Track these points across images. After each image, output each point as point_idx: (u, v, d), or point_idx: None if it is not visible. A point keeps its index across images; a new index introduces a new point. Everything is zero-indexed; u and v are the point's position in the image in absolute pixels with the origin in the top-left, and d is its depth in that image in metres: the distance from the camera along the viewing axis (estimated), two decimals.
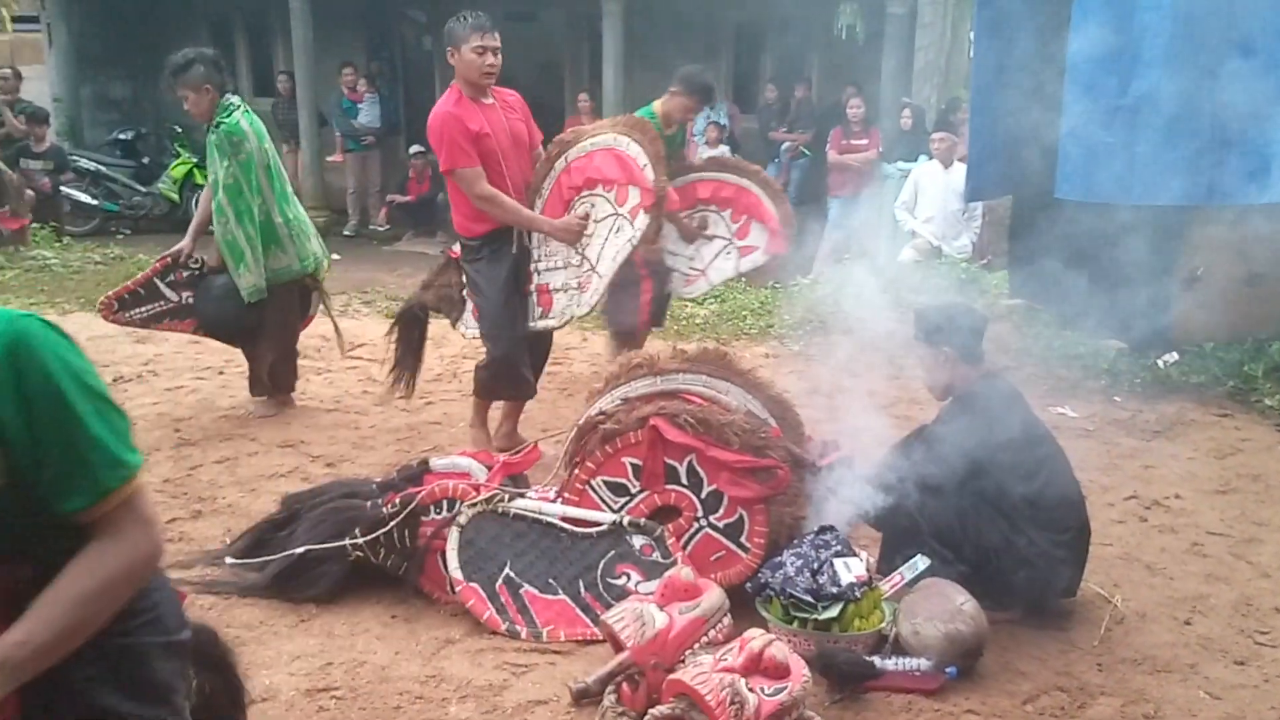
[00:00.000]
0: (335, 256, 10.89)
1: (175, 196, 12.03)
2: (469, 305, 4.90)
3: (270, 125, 13.00)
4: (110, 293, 5.48)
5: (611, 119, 4.95)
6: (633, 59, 12.03)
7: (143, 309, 5.42)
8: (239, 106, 5.20)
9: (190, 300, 5.46)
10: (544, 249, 4.77)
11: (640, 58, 12.18)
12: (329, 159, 12.59)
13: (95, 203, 11.44)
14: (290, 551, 3.69)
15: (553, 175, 4.78)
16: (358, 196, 12.61)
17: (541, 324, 4.83)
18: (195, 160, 12.10)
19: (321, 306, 5.81)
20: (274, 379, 5.55)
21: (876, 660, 3.19)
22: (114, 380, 6.05)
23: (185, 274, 5.44)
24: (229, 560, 3.84)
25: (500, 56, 4.62)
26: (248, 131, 5.12)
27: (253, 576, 3.74)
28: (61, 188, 10.98)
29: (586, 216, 4.68)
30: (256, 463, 4.88)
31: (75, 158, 11.70)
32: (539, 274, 4.79)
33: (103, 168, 11.87)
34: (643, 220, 4.57)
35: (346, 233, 12.37)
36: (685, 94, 5.52)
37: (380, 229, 12.46)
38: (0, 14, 10.50)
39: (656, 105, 5.59)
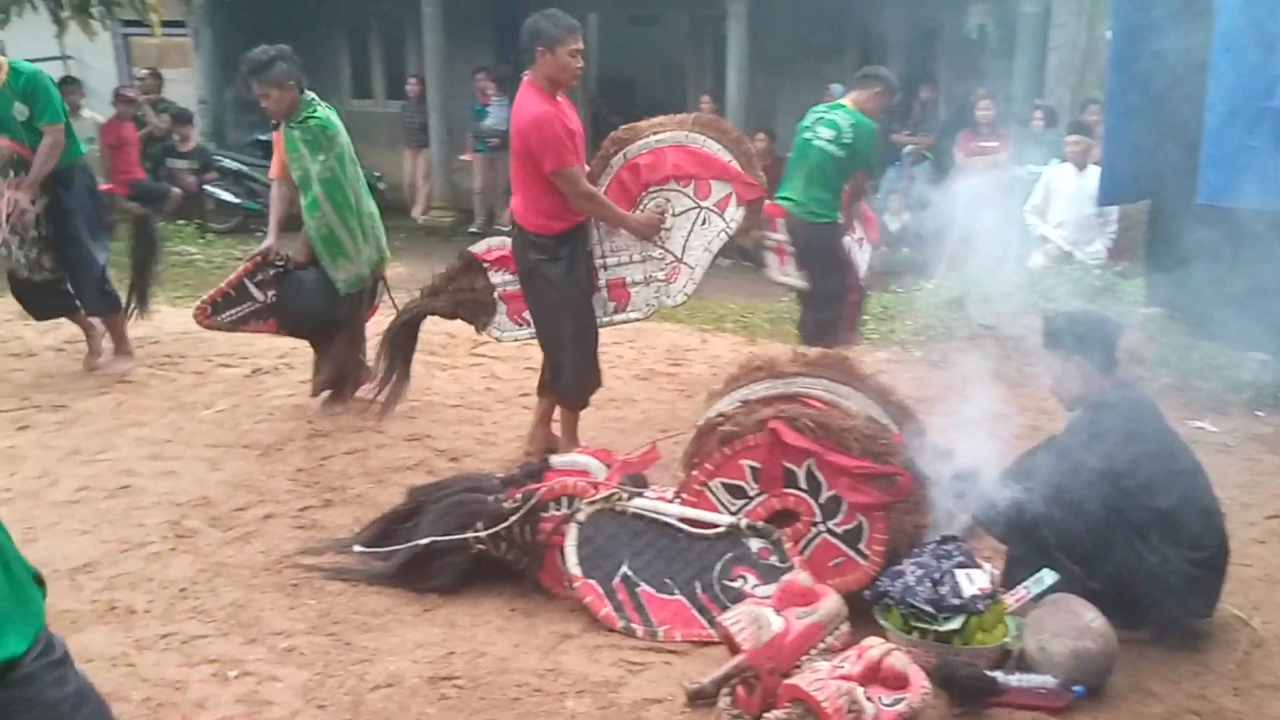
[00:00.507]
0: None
1: None
2: (502, 308, 4.89)
3: (397, 128, 13.35)
4: (204, 297, 5.55)
5: (673, 117, 4.88)
6: (756, 61, 11.99)
7: (232, 311, 5.47)
8: (319, 103, 5.27)
9: (273, 299, 5.49)
10: (609, 244, 4.78)
11: (764, 60, 12.13)
12: (460, 159, 12.86)
13: (237, 201, 11.90)
14: (415, 542, 3.79)
15: (610, 171, 4.75)
16: (484, 196, 12.85)
17: (620, 318, 4.88)
18: None
19: (385, 298, 5.81)
20: (346, 374, 5.57)
21: (999, 676, 3.12)
22: (252, 372, 6.29)
23: (271, 273, 5.49)
24: (357, 548, 3.96)
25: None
26: (338, 125, 5.19)
27: (379, 565, 3.86)
28: (205, 186, 11.46)
29: (662, 211, 4.73)
30: (384, 455, 5.03)
31: (218, 157, 12.20)
32: (606, 269, 4.79)
33: (244, 167, 12.34)
34: (736, 211, 4.74)
35: (472, 230, 12.62)
36: (887, 92, 5.76)
37: (504, 228, 12.67)
38: (150, 18, 10.97)
39: (849, 101, 5.79)
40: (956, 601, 3.23)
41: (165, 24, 11.49)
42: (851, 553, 3.59)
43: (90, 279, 5.97)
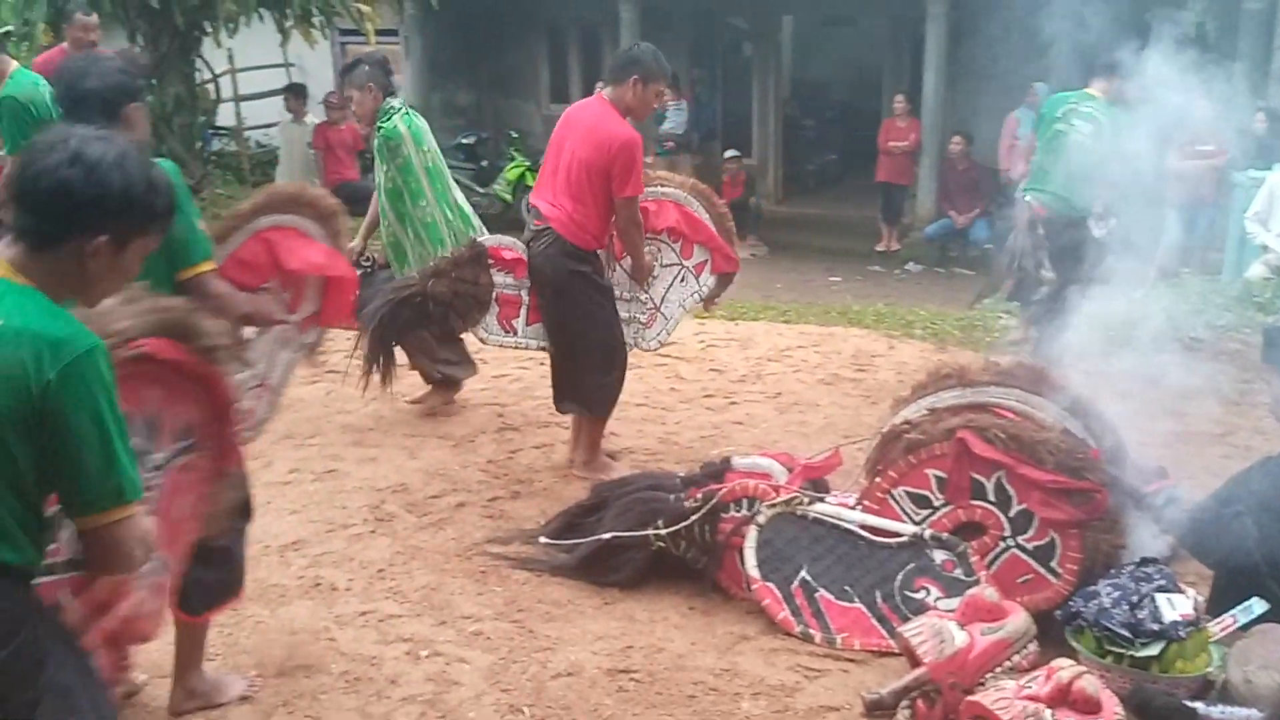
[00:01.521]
0: None
1: (509, 197, 12.84)
2: (494, 310, 4.74)
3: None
4: None
5: (675, 177, 5.30)
6: (955, 63, 11.68)
7: None
8: (399, 110, 5.20)
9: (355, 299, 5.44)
10: (609, 276, 4.81)
11: (962, 62, 11.81)
12: (645, 160, 13.05)
13: None
14: (598, 536, 3.88)
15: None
16: None
17: None
18: (529, 164, 12.87)
19: None
20: (432, 374, 5.57)
21: (1200, 706, 2.95)
22: None
23: (358, 273, 5.23)
24: (542, 540, 4.08)
25: None
26: (404, 135, 5.10)
27: (563, 557, 3.96)
28: None
29: (653, 258, 4.87)
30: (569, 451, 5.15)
31: None
32: None
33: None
34: (710, 280, 5.12)
35: None
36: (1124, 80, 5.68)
37: None
38: (365, 27, 11.56)
39: (1097, 90, 5.77)
40: (1156, 626, 3.07)
41: (378, 32, 12.07)
42: (1042, 570, 3.46)
43: None
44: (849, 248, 11.72)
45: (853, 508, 3.69)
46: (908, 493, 3.61)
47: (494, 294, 4.73)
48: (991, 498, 3.50)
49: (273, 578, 3.89)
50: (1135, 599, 3.13)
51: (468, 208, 5.45)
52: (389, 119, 5.15)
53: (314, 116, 11.40)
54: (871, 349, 7.02)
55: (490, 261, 4.71)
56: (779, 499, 3.71)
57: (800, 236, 12.43)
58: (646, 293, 4.96)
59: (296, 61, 13.82)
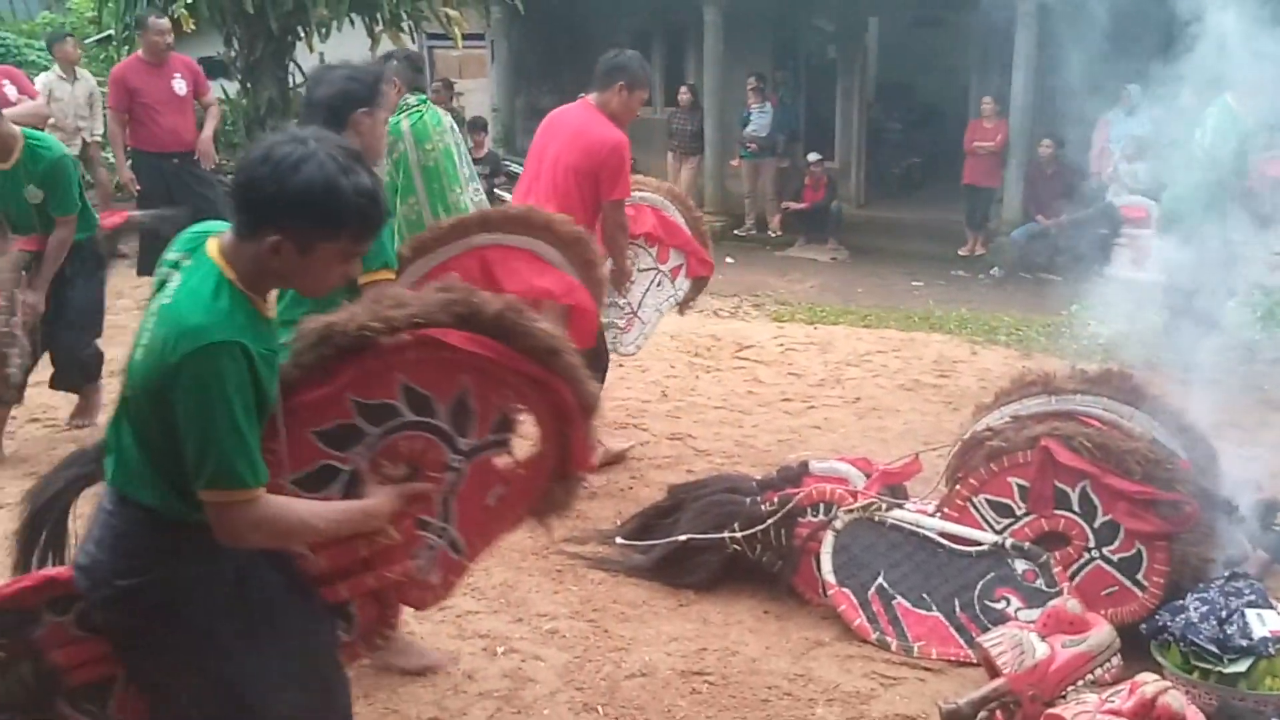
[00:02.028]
0: (729, 260, 11.32)
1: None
2: None
3: (662, 134, 13.62)
4: None
5: (651, 180, 5.27)
6: (1044, 64, 11.44)
7: None
8: (409, 108, 5.08)
9: None
10: None
11: (1052, 63, 11.56)
12: (730, 164, 13.02)
13: None
14: (674, 538, 3.89)
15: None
16: (752, 201, 12.95)
17: None
18: None
19: None
20: None
21: None
22: None
23: None
24: (618, 540, 4.10)
25: None
26: (404, 132, 5.01)
27: (638, 558, 3.98)
28: (496, 189, 12.13)
29: (631, 263, 4.84)
30: (646, 452, 5.17)
31: (507, 162, 12.88)
32: None
33: None
34: (684, 283, 5.14)
35: (737, 233, 12.76)
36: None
37: (774, 233, 12.72)
38: (453, 32, 11.73)
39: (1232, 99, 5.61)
40: (1245, 643, 2.98)
41: (465, 37, 12.23)
42: (1128, 582, 3.39)
43: (73, 360, 5.32)
44: (932, 252, 11.56)
45: (932, 515, 3.65)
46: (989, 501, 3.56)
47: None
48: (1076, 508, 3.44)
49: None
50: (1224, 614, 3.05)
51: (472, 209, 5.21)
52: (396, 115, 5.07)
53: None
54: (954, 355, 6.93)
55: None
56: (856, 504, 3.68)
57: (882, 240, 12.30)
58: (625, 297, 4.96)
59: None
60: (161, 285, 2.04)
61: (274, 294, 2.16)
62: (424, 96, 5.41)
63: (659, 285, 5.11)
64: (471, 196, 5.32)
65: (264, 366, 1.98)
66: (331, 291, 2.18)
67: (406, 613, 3.67)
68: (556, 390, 2.31)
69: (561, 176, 4.49)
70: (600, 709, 3.18)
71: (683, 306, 5.30)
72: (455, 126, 5.38)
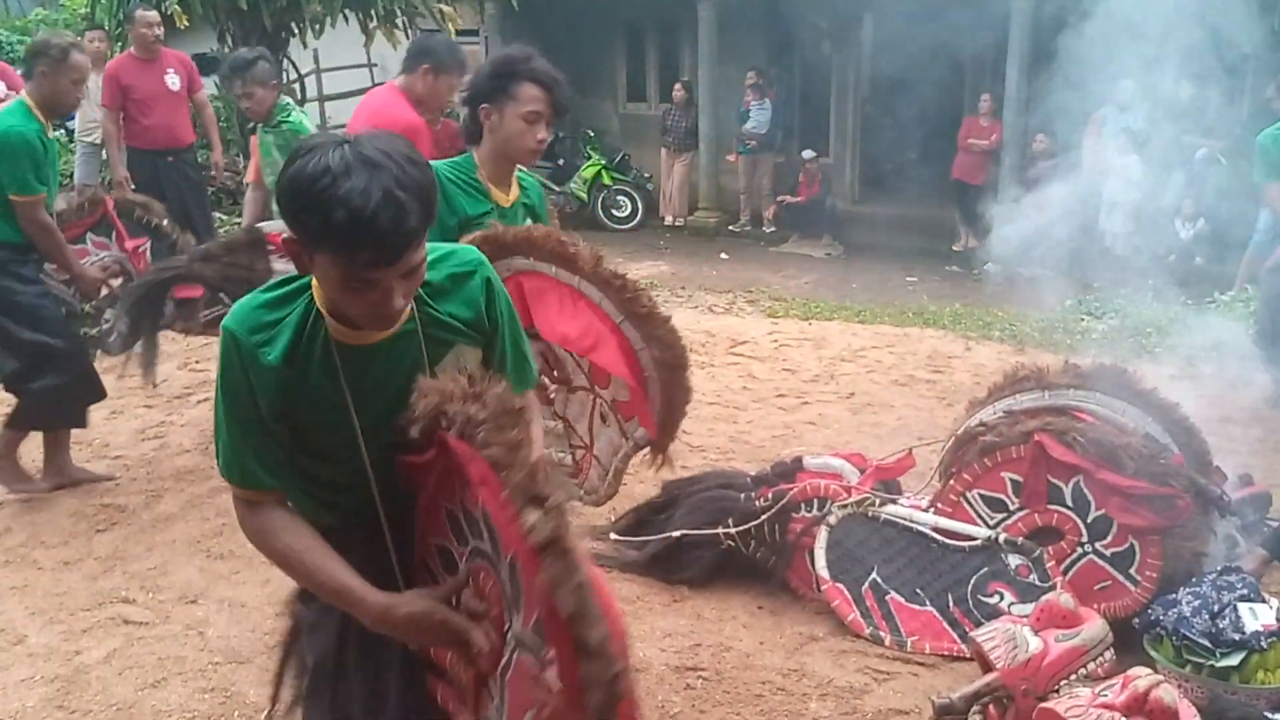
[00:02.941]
0: (723, 256, 11.32)
1: (584, 196, 12.93)
2: None
3: (656, 130, 13.61)
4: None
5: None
6: (1039, 62, 11.45)
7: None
8: (291, 106, 5.10)
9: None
10: None
11: (1047, 60, 11.56)
12: (726, 159, 13.02)
13: None
14: (668, 534, 3.89)
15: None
16: (748, 197, 12.95)
17: None
18: (605, 162, 12.93)
19: None
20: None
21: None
22: None
23: None
24: (613, 536, 4.10)
25: None
26: (312, 130, 4.98)
27: (633, 554, 3.98)
28: None
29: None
30: None
31: None
32: None
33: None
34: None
35: (732, 229, 12.77)
36: None
37: (768, 230, 12.72)
38: (447, 27, 11.72)
39: None
40: (1237, 636, 2.99)
41: (459, 33, 12.22)
42: (1120, 577, 3.39)
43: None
44: (926, 247, 11.58)
45: (926, 510, 3.66)
46: (982, 496, 3.57)
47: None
48: (1069, 502, 3.44)
49: None
50: (1216, 608, 3.06)
51: None
52: (288, 114, 5.02)
53: None
54: (948, 350, 6.93)
55: (270, 248, 4.42)
56: (850, 500, 3.69)
57: (877, 236, 12.31)
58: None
59: (379, 61, 14.04)
60: None
61: None
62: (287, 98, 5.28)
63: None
64: None
65: (285, 370, 1.72)
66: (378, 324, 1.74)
67: None
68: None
69: None
70: None
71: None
72: None
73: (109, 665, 3.39)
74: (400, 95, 4.36)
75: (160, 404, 5.76)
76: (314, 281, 1.73)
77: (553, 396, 3.24)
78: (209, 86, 8.70)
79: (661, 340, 3.00)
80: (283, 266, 4.28)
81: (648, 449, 3.29)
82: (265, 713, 3.14)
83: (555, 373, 3.23)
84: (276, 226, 4.47)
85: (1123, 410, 3.58)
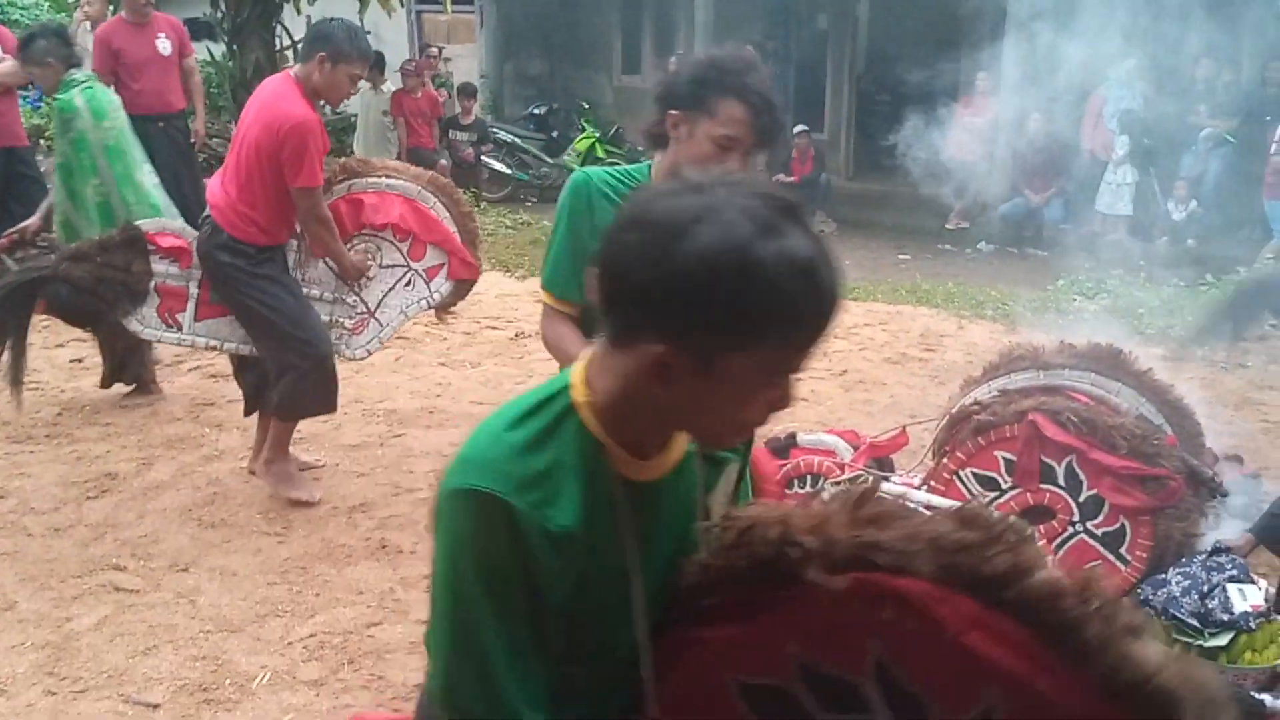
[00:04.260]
0: None
1: (577, 168, 12.86)
2: (154, 301, 4.25)
3: (651, 103, 13.60)
4: None
5: (409, 169, 4.66)
6: (1036, 38, 11.41)
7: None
8: (81, 82, 4.93)
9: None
10: (304, 272, 4.35)
11: (1045, 36, 11.53)
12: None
13: (509, 172, 12.45)
14: None
15: (329, 197, 4.26)
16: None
17: None
18: (598, 135, 12.86)
19: None
20: (126, 366, 5.31)
21: (1267, 699, 2.89)
22: (515, 335, 6.61)
23: (34, 251, 4.97)
24: None
25: None
26: (80, 108, 4.80)
27: None
28: (482, 157, 12.06)
29: (370, 256, 4.40)
30: None
31: (495, 130, 12.79)
32: None
33: (518, 139, 12.88)
34: (443, 284, 4.55)
35: None
36: None
37: None
38: None
39: None
40: (1225, 617, 3.01)
41: (455, 1, 12.13)
42: (1111, 557, 3.40)
43: None
44: (920, 225, 11.56)
45: (919, 488, 3.66)
46: (975, 474, 3.57)
47: (152, 284, 4.26)
48: (1061, 482, 3.45)
49: (340, 538, 3.98)
50: (1205, 588, 3.08)
51: (158, 195, 4.97)
52: (67, 91, 4.90)
53: (391, 84, 11.50)
54: (940, 328, 6.94)
55: (150, 248, 4.26)
56: (843, 477, 3.69)
57: (871, 213, 12.29)
58: (356, 294, 4.44)
59: (373, 29, 13.92)
60: None
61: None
62: (90, 73, 5.21)
63: (409, 285, 4.51)
64: (149, 177, 4.99)
65: (581, 535, 1.23)
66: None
67: (394, 580, 3.69)
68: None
69: (246, 155, 4.00)
70: None
71: (440, 311, 4.65)
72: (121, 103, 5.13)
73: (99, 632, 3.38)
74: (295, 86, 3.98)
75: None
76: (587, 400, 1.27)
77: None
78: (200, 51, 8.62)
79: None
80: (164, 268, 4.24)
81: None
82: (256, 680, 3.15)
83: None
84: (154, 225, 4.36)
85: (1117, 391, 3.59)
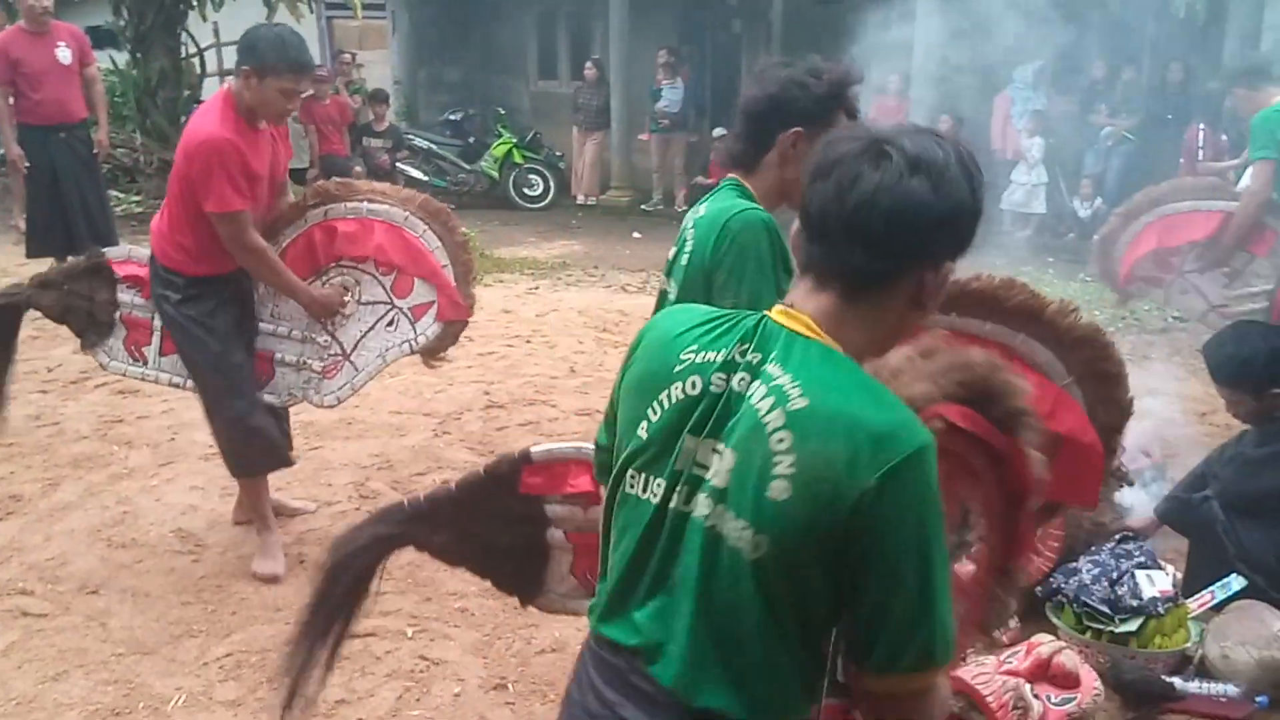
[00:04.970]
0: (636, 235, 11.32)
1: (495, 174, 12.80)
2: (120, 333, 3.98)
3: (567, 108, 13.52)
4: None
5: (400, 191, 4.08)
6: (945, 41, 11.63)
7: None
8: None
9: None
10: (273, 306, 3.94)
11: (953, 40, 11.75)
12: (639, 138, 13.01)
13: (426, 179, 12.34)
14: None
15: (302, 224, 3.91)
16: (660, 176, 12.97)
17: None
18: (516, 140, 12.82)
19: None
20: None
21: (1177, 681, 2.98)
22: None
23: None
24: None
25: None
26: None
27: None
28: (398, 164, 11.94)
29: (346, 291, 3.91)
30: (556, 427, 5.16)
31: (410, 136, 12.69)
32: (258, 334, 3.94)
33: (434, 146, 12.79)
34: (433, 327, 3.92)
35: (645, 208, 12.77)
36: None
37: (680, 209, 12.76)
38: (352, 2, 11.49)
39: None
40: (1135, 603, 3.10)
41: (365, 7, 11.99)
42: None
43: None
44: None
45: None
46: None
47: (117, 314, 3.98)
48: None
49: (256, 554, 3.89)
50: (1115, 575, 3.16)
51: None
52: None
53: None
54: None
55: (116, 277, 3.97)
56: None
57: (790, 214, 12.41)
58: (329, 333, 3.94)
59: None
60: (719, 405, 1.39)
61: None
62: None
63: (391, 325, 3.95)
64: None
65: None
66: None
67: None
68: (1016, 464, 1.65)
69: (172, 187, 3.71)
70: (511, 685, 3.17)
71: (428, 356, 4.06)
72: None
73: (7, 659, 3.27)
74: (225, 103, 3.61)
75: (56, 389, 5.57)
76: (837, 342, 1.39)
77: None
78: (104, 60, 8.40)
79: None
80: (129, 298, 3.97)
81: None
82: (171, 703, 3.08)
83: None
84: (119, 253, 4.07)
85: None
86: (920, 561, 1.30)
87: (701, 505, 1.37)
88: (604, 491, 1.56)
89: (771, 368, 1.36)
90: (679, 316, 1.50)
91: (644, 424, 1.44)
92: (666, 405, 1.42)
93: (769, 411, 1.33)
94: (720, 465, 1.36)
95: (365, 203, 3.93)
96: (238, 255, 3.68)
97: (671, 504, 1.40)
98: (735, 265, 2.17)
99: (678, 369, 1.41)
